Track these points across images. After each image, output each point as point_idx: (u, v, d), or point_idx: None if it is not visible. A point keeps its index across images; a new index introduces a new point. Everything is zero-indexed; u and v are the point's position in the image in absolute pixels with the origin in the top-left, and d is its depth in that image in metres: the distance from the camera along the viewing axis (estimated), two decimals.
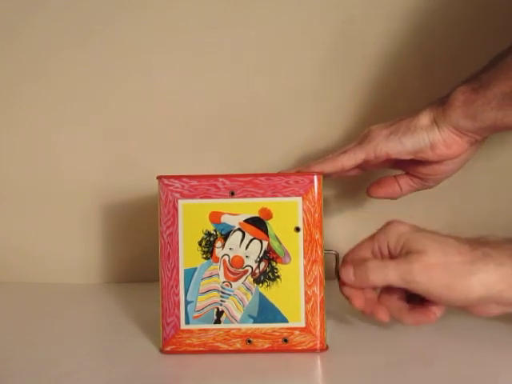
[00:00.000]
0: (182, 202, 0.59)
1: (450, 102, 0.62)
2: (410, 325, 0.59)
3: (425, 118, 0.64)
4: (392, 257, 0.58)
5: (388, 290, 0.60)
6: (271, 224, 0.58)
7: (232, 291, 0.59)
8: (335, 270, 0.61)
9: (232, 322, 0.59)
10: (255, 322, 0.59)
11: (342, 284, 0.60)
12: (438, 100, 0.64)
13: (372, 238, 0.60)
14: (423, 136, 0.64)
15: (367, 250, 0.60)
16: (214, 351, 0.59)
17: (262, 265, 0.59)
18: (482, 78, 0.61)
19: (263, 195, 0.58)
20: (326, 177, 0.69)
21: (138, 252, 0.87)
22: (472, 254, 0.54)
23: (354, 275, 0.59)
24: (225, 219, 0.59)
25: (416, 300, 0.59)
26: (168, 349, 0.59)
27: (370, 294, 0.61)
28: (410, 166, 0.69)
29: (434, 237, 0.57)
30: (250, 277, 0.59)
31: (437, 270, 0.54)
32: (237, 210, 0.58)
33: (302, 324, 0.58)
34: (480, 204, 0.83)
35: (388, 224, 0.60)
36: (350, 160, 0.66)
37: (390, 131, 0.65)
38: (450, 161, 0.66)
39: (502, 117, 0.59)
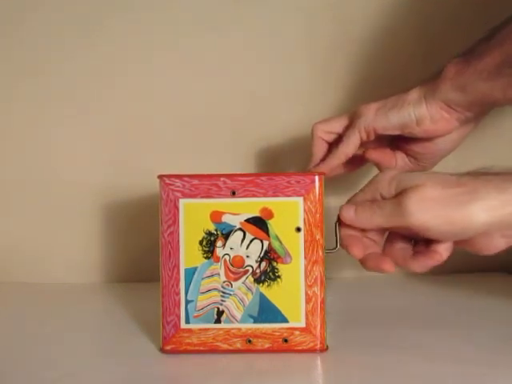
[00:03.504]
0: (183, 202, 0.59)
1: (442, 75, 0.62)
2: (419, 271, 0.56)
3: (414, 94, 0.64)
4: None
5: (390, 239, 0.59)
6: (272, 224, 0.58)
7: (232, 291, 0.59)
8: (335, 239, 0.60)
9: (232, 322, 0.59)
10: (255, 321, 0.58)
11: (342, 226, 0.59)
12: (430, 76, 0.64)
13: (363, 190, 0.59)
14: (409, 111, 0.64)
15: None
16: (214, 351, 0.59)
17: (263, 265, 0.58)
18: (476, 50, 0.61)
19: (264, 195, 0.58)
20: (336, 175, 0.70)
21: (138, 252, 0.87)
22: (473, 183, 0.52)
23: (356, 213, 0.57)
24: (226, 219, 0.59)
25: (420, 246, 0.57)
26: (168, 348, 0.59)
27: (373, 247, 0.59)
28: (402, 144, 0.69)
29: (428, 173, 0.55)
30: (250, 277, 0.59)
31: (435, 203, 0.52)
32: (238, 209, 0.58)
33: (303, 324, 0.58)
34: None
35: (377, 174, 0.58)
36: (348, 145, 0.67)
37: (377, 107, 0.66)
38: (440, 139, 0.66)
39: (490, 89, 0.59)
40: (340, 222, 0.59)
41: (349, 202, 0.59)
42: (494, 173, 0.53)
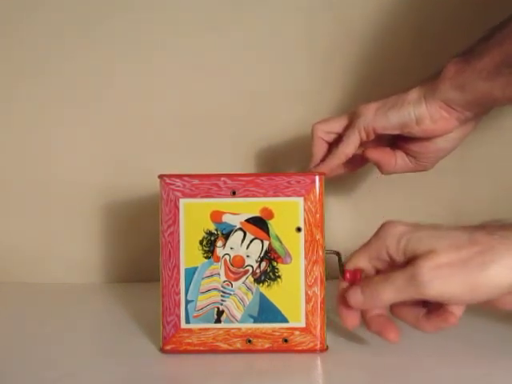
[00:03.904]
0: (183, 201, 0.59)
1: (442, 75, 0.62)
2: (431, 332, 0.53)
3: (414, 94, 0.64)
4: (395, 264, 0.53)
5: None
6: (272, 224, 0.58)
7: (232, 291, 0.59)
8: (339, 270, 0.59)
9: (232, 322, 0.59)
10: (255, 321, 0.58)
11: (347, 308, 0.55)
12: (430, 75, 0.64)
13: (368, 246, 0.56)
14: (409, 110, 0.64)
15: (364, 259, 0.56)
16: (214, 351, 0.59)
17: (263, 265, 0.58)
18: (476, 49, 0.61)
19: (265, 195, 0.58)
20: (337, 175, 0.70)
21: (138, 252, 0.87)
22: (489, 240, 0.48)
23: (363, 295, 0.54)
24: (226, 219, 0.59)
25: (433, 305, 0.53)
26: (168, 348, 0.59)
27: (377, 309, 0.56)
28: (402, 143, 0.69)
29: (439, 233, 0.51)
30: (250, 277, 0.59)
31: (452, 269, 0.48)
32: (238, 209, 0.58)
33: (303, 324, 0.58)
34: (481, 204, 0.83)
35: (382, 228, 0.54)
36: (348, 145, 0.67)
37: (377, 106, 0.65)
38: (440, 139, 0.66)
39: (490, 88, 0.59)
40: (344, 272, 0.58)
41: (351, 259, 0.57)
42: (507, 226, 0.50)
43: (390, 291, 0.52)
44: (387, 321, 0.55)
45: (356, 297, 0.54)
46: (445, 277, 0.48)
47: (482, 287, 0.48)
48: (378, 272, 0.57)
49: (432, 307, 0.53)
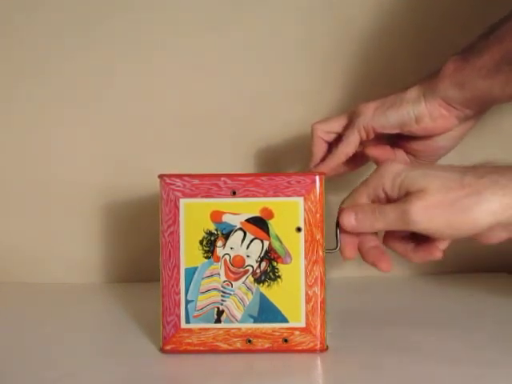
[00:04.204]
0: (183, 201, 0.59)
1: (441, 73, 0.62)
2: (417, 262, 0.59)
3: (413, 92, 0.64)
4: (390, 200, 0.57)
5: (392, 231, 0.59)
6: (272, 224, 0.58)
7: (232, 291, 0.59)
8: (336, 240, 0.60)
9: (232, 322, 0.59)
10: (255, 321, 0.58)
11: (342, 231, 0.59)
12: (429, 74, 0.64)
13: (366, 183, 0.58)
14: (408, 109, 0.64)
15: (362, 196, 0.58)
16: (214, 351, 0.59)
17: (263, 265, 0.58)
18: (475, 47, 0.61)
19: (265, 195, 0.58)
20: (337, 174, 0.70)
21: (138, 252, 0.87)
22: (477, 184, 0.52)
23: (356, 220, 0.57)
24: (226, 219, 0.59)
25: (421, 238, 0.58)
26: (168, 348, 0.59)
27: (373, 241, 0.60)
28: (402, 142, 0.69)
29: (433, 172, 0.54)
30: (250, 276, 0.59)
31: (439, 209, 0.52)
32: (238, 209, 0.58)
33: (303, 324, 0.58)
34: None
35: (380, 166, 0.58)
36: (348, 144, 0.67)
37: (376, 106, 0.66)
38: (439, 137, 0.66)
39: (490, 86, 0.59)
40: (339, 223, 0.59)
41: (350, 196, 0.60)
42: (498, 169, 0.53)
43: (382, 222, 0.56)
44: (382, 252, 0.59)
45: (350, 220, 0.58)
46: (432, 215, 0.52)
47: (463, 227, 0.52)
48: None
49: (420, 240, 0.58)
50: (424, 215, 0.52)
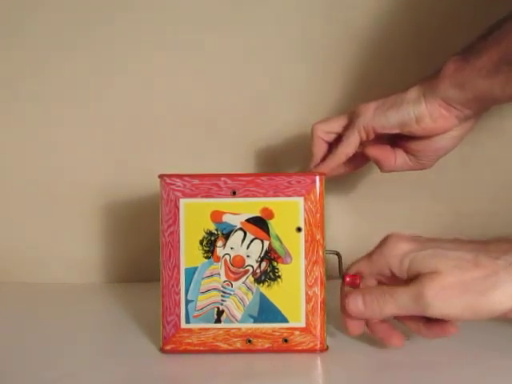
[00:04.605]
0: (183, 201, 0.59)
1: (441, 73, 0.62)
2: (431, 338, 0.55)
3: (413, 92, 0.64)
4: (398, 280, 0.54)
5: None
6: (273, 224, 0.58)
7: (233, 291, 0.59)
8: (339, 271, 0.60)
9: (232, 322, 0.59)
10: (255, 321, 0.58)
11: (348, 317, 0.56)
12: (429, 74, 0.64)
13: (368, 257, 0.56)
14: (408, 109, 0.64)
15: (365, 274, 0.57)
16: (214, 351, 0.59)
17: (263, 265, 0.58)
18: (475, 47, 0.61)
19: (265, 195, 0.58)
20: (337, 175, 0.70)
21: (138, 252, 0.87)
22: (494, 264, 0.49)
23: (364, 304, 0.54)
24: (226, 219, 0.59)
25: None
26: (168, 348, 0.59)
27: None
28: (402, 142, 0.69)
29: (444, 252, 0.51)
30: (250, 276, 0.59)
31: (455, 291, 0.49)
32: (238, 209, 0.58)
33: (303, 324, 0.58)
34: (481, 204, 0.83)
35: (384, 243, 0.55)
36: (348, 145, 0.67)
37: (376, 106, 0.66)
38: (439, 137, 0.66)
39: (490, 86, 0.59)
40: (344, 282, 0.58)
41: (354, 266, 0.57)
42: (509, 250, 0.50)
43: (393, 306, 0.52)
44: (391, 328, 0.56)
45: (357, 305, 0.55)
46: (448, 299, 0.49)
47: (483, 311, 0.49)
48: (379, 283, 0.57)
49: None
50: (441, 298, 0.49)
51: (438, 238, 0.54)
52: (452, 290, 0.49)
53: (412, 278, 0.52)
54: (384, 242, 0.55)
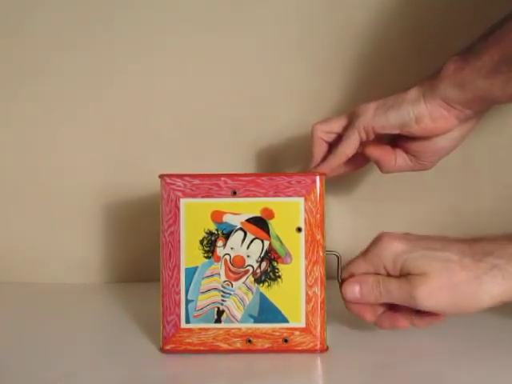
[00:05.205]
0: (183, 201, 0.59)
1: (441, 74, 0.62)
2: (423, 327, 0.59)
3: (413, 93, 0.64)
4: (390, 275, 0.58)
5: None
6: (273, 224, 0.58)
7: (233, 291, 0.59)
8: (337, 273, 0.60)
9: (232, 322, 0.59)
10: (256, 321, 0.58)
11: (347, 302, 0.60)
12: (429, 75, 0.64)
13: (364, 257, 0.59)
14: (408, 109, 0.64)
15: (361, 270, 0.59)
16: (214, 350, 0.59)
17: (263, 265, 0.58)
18: (475, 48, 0.61)
19: (265, 195, 0.58)
20: (337, 175, 0.70)
21: (138, 252, 0.87)
22: (477, 267, 0.53)
23: (360, 293, 0.58)
24: (227, 219, 0.59)
25: None
26: (168, 347, 0.59)
27: (380, 308, 0.60)
28: (402, 142, 0.69)
29: (434, 254, 0.55)
30: (250, 276, 0.59)
31: (443, 293, 0.54)
32: (239, 209, 0.58)
33: (303, 324, 0.58)
34: (480, 204, 0.83)
35: (378, 243, 0.58)
36: (348, 145, 0.67)
37: (376, 106, 0.66)
38: (439, 138, 0.66)
39: (489, 86, 0.59)
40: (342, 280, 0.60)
41: (350, 266, 0.60)
42: (495, 249, 0.54)
43: (386, 298, 0.57)
44: (393, 315, 0.59)
45: (354, 293, 0.59)
46: (436, 298, 0.54)
47: (468, 308, 0.54)
48: None
49: None
50: (429, 298, 0.54)
51: (427, 235, 0.58)
52: (439, 291, 0.54)
53: (404, 274, 0.56)
54: (377, 242, 0.58)
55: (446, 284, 0.53)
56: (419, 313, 0.58)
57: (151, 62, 0.87)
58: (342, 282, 0.59)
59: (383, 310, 0.60)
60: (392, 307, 0.59)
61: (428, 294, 0.54)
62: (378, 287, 0.57)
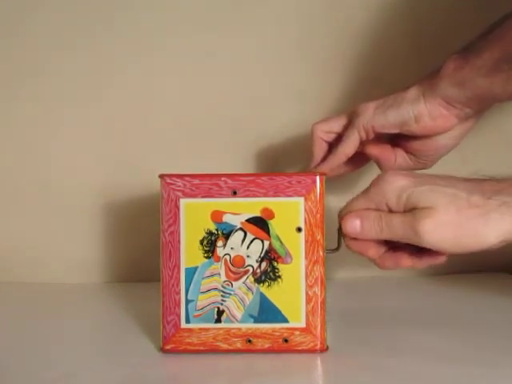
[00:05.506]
0: (183, 201, 0.59)
1: (441, 72, 0.62)
2: (422, 267, 0.58)
3: (412, 92, 0.64)
4: (393, 212, 0.56)
5: None
6: (273, 224, 0.58)
7: (233, 291, 0.59)
8: (338, 243, 0.60)
9: (232, 322, 0.59)
10: (256, 321, 0.58)
11: (347, 237, 0.59)
12: (429, 73, 0.64)
13: (367, 196, 0.57)
14: (407, 108, 0.64)
15: (362, 207, 0.58)
16: (214, 350, 0.59)
17: (263, 265, 0.58)
18: (475, 46, 0.61)
19: (265, 195, 0.58)
20: (337, 175, 0.70)
21: (138, 252, 0.87)
22: (486, 204, 0.51)
23: (361, 227, 0.57)
24: (227, 218, 0.59)
25: None
26: (168, 347, 0.59)
27: (382, 247, 0.59)
28: (402, 141, 0.69)
29: (441, 189, 0.53)
30: (250, 276, 0.59)
31: (448, 229, 0.52)
32: (239, 209, 0.58)
33: (303, 324, 0.58)
34: None
35: (380, 181, 0.56)
36: (348, 144, 0.67)
37: (376, 105, 0.66)
38: (439, 137, 0.66)
39: (490, 85, 0.59)
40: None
41: (350, 204, 0.59)
42: (504, 188, 0.52)
43: (388, 233, 0.55)
44: (395, 254, 0.59)
45: (355, 228, 0.57)
46: (441, 235, 0.52)
47: (472, 246, 0.52)
48: None
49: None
50: (433, 233, 0.52)
51: (433, 174, 0.56)
52: (445, 227, 0.52)
53: (408, 210, 0.54)
54: (381, 178, 0.56)
55: (452, 220, 0.52)
56: (419, 253, 0.57)
57: (151, 61, 0.87)
58: (341, 218, 0.58)
59: (385, 249, 0.59)
60: (393, 249, 0.59)
61: (432, 229, 0.52)
62: (379, 222, 0.56)
